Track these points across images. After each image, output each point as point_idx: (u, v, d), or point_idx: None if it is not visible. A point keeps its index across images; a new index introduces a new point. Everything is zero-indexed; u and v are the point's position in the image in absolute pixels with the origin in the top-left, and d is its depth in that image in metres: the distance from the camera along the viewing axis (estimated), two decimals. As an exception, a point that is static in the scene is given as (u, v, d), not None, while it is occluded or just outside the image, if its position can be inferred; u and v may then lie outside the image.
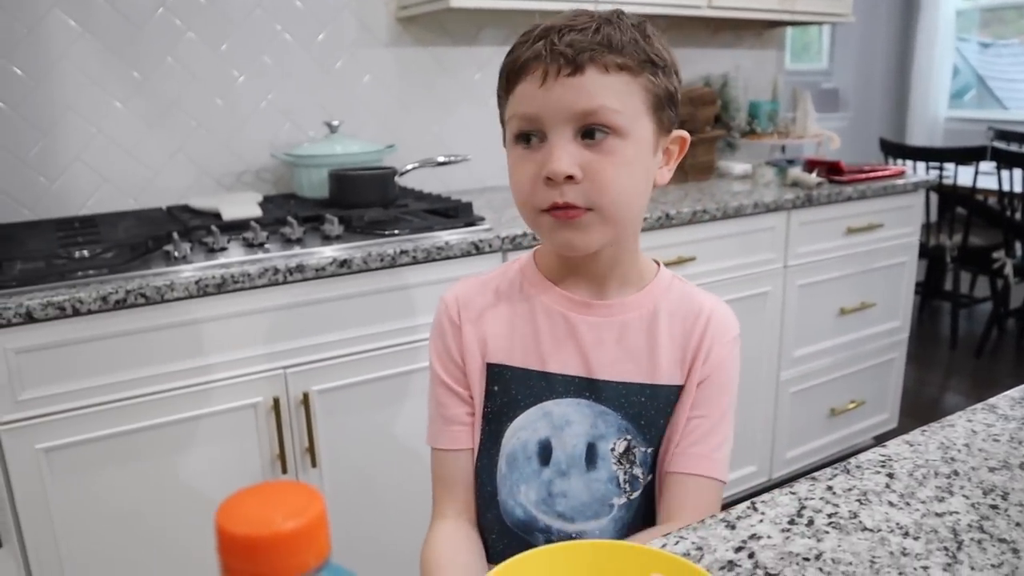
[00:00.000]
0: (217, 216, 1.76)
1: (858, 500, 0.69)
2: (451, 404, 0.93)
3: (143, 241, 1.58)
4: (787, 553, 0.62)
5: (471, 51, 2.38)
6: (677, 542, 0.65)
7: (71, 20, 1.88)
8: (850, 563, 0.60)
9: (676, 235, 2.02)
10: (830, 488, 0.71)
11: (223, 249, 1.59)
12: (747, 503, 0.70)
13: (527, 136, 0.81)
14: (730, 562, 0.61)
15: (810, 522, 0.66)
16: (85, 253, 1.54)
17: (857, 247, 2.42)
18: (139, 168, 2.02)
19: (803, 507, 0.69)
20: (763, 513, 0.68)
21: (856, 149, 4.48)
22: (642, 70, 0.79)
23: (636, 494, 0.88)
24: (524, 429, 0.89)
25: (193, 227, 1.67)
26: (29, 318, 1.35)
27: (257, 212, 1.77)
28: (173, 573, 1.55)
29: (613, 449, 0.87)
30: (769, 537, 0.64)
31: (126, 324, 1.43)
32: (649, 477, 0.89)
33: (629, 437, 0.87)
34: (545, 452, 0.88)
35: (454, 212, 1.84)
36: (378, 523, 1.74)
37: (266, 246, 1.61)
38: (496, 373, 0.90)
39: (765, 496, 0.71)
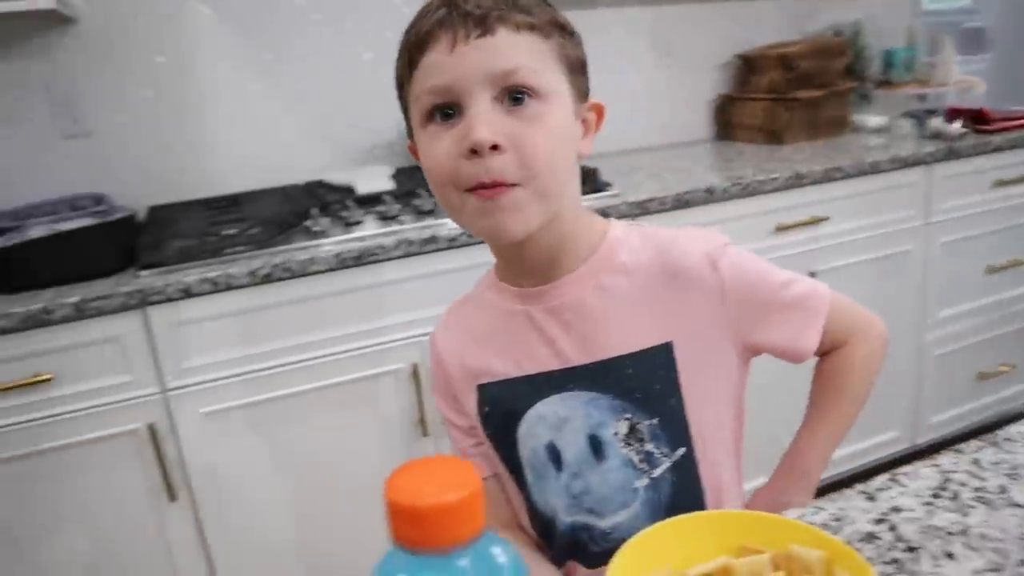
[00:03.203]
0: (351, 191, 1.83)
1: (1007, 475, 0.67)
2: (458, 438, 0.91)
3: (285, 217, 1.67)
4: (930, 527, 0.61)
5: (611, 12, 2.36)
6: (816, 513, 0.65)
7: (206, 8, 1.99)
8: (999, 539, 0.59)
9: (807, 194, 1.96)
10: (976, 461, 0.70)
11: (359, 223, 1.66)
12: (887, 475, 0.70)
13: (442, 111, 0.72)
14: (870, 534, 0.61)
15: (954, 496, 0.65)
16: (233, 231, 1.64)
17: (1007, 200, 2.27)
18: (277, 147, 2.13)
19: (947, 480, 0.67)
20: (904, 486, 0.68)
21: (1006, 93, 4.17)
22: (552, 32, 0.74)
23: (659, 470, 0.81)
24: (528, 438, 0.84)
25: (330, 202, 1.75)
26: (188, 293, 1.46)
27: (390, 185, 1.83)
28: (325, 526, 1.67)
29: (616, 433, 0.80)
30: (911, 510, 0.64)
31: (273, 296, 1.53)
32: (679, 451, 0.81)
33: (628, 416, 0.80)
34: (555, 455, 0.83)
35: (581, 179, 1.84)
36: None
37: (400, 218, 1.67)
38: (485, 392, 0.85)
39: (906, 468, 0.71)
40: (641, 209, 1.75)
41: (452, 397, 0.89)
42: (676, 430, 0.81)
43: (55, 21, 1.84)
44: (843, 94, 2.45)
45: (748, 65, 2.56)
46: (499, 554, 0.38)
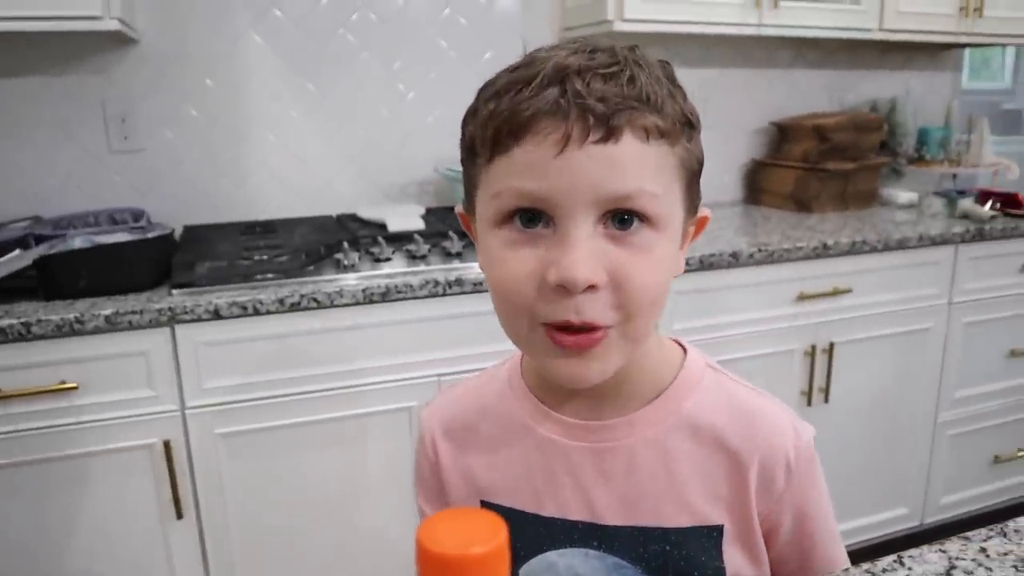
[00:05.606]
0: (383, 226, 1.87)
1: (1014, 566, 0.67)
2: None
3: (316, 248, 1.70)
4: (933, 613, 0.62)
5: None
6: (819, 589, 0.66)
7: (258, 37, 2.05)
8: (1000, 631, 0.59)
9: (832, 265, 1.97)
10: (983, 551, 0.70)
11: (388, 259, 1.69)
12: (894, 556, 0.70)
13: (526, 217, 0.58)
14: (873, 616, 0.62)
15: (960, 584, 0.65)
16: (264, 256, 1.68)
17: (1033, 286, 2.27)
18: (313, 177, 2.17)
19: (953, 567, 0.68)
20: (910, 568, 0.68)
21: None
22: (680, 135, 0.60)
23: None
24: None
25: (361, 236, 1.78)
26: (216, 315, 1.49)
27: (420, 225, 1.86)
28: (324, 556, 1.67)
29: None
30: (915, 595, 0.64)
31: (299, 325, 1.55)
32: None
33: None
34: None
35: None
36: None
37: (428, 258, 1.70)
38: None
39: (913, 551, 0.71)
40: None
41: (444, 503, 0.76)
42: None
43: (117, 41, 1.90)
44: (875, 168, 2.47)
45: (782, 133, 2.59)
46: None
